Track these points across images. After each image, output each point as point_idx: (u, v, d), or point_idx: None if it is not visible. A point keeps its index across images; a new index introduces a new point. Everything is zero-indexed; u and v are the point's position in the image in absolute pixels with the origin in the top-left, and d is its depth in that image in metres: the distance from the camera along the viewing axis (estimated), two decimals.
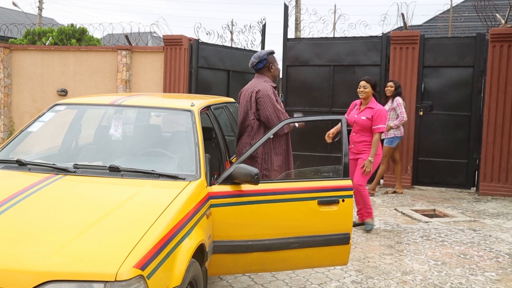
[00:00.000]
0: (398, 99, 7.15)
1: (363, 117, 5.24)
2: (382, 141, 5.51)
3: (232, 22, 9.60)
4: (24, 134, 3.55)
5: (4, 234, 2.28)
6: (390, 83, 7.34)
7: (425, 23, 17.01)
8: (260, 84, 4.14)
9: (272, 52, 4.26)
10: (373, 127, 5.20)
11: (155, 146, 3.67)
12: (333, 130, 5.29)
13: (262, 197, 3.15)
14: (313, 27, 28.36)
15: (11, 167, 3.12)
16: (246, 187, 3.11)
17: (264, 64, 4.18)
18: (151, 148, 3.62)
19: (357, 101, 5.46)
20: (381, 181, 8.05)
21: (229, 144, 4.18)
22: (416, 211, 6.43)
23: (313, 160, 7.90)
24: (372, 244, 5.02)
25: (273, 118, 4.04)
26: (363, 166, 5.18)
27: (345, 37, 8.53)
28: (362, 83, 5.32)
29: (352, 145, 5.35)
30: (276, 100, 4.10)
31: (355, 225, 5.36)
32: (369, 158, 5.16)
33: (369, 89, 5.28)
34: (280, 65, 4.90)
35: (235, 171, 3.07)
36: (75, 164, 3.10)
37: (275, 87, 4.24)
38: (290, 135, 4.28)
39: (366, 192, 5.36)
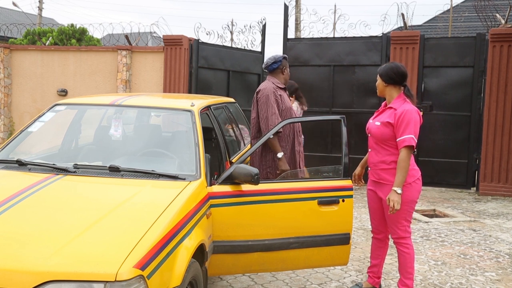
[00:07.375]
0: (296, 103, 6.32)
1: (377, 123, 3.49)
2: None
3: (232, 22, 9.60)
4: (24, 134, 3.55)
5: (4, 234, 2.28)
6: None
7: (425, 23, 17.01)
8: (264, 84, 4.24)
9: (286, 57, 4.37)
10: (398, 139, 3.39)
11: (155, 146, 3.66)
12: (358, 172, 3.83)
13: (262, 197, 3.15)
14: (313, 27, 28.34)
15: (11, 167, 3.11)
16: (246, 187, 3.11)
17: (278, 65, 4.29)
18: (151, 148, 3.61)
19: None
20: None
21: (229, 144, 4.18)
22: (416, 211, 6.43)
23: (313, 160, 7.90)
24: None
25: (263, 120, 4.09)
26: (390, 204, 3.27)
27: (345, 37, 8.53)
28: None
29: (369, 168, 3.61)
30: (277, 102, 4.13)
31: None
32: (393, 188, 3.29)
33: (379, 81, 3.54)
34: None
35: (235, 171, 3.07)
36: (75, 164, 3.09)
37: (283, 89, 4.30)
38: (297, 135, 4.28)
39: (411, 250, 3.50)
